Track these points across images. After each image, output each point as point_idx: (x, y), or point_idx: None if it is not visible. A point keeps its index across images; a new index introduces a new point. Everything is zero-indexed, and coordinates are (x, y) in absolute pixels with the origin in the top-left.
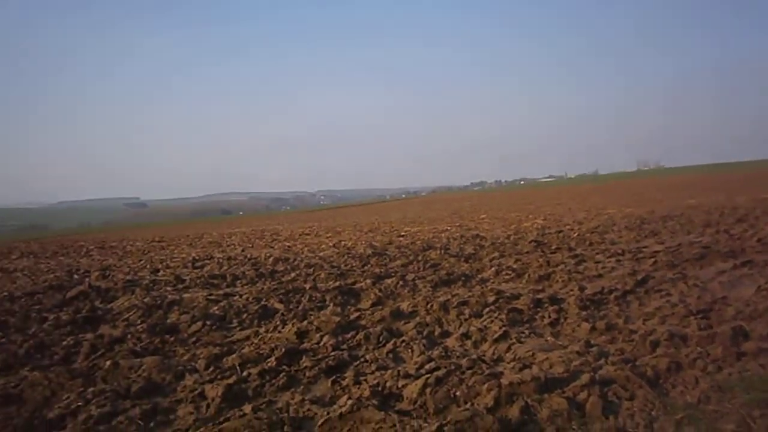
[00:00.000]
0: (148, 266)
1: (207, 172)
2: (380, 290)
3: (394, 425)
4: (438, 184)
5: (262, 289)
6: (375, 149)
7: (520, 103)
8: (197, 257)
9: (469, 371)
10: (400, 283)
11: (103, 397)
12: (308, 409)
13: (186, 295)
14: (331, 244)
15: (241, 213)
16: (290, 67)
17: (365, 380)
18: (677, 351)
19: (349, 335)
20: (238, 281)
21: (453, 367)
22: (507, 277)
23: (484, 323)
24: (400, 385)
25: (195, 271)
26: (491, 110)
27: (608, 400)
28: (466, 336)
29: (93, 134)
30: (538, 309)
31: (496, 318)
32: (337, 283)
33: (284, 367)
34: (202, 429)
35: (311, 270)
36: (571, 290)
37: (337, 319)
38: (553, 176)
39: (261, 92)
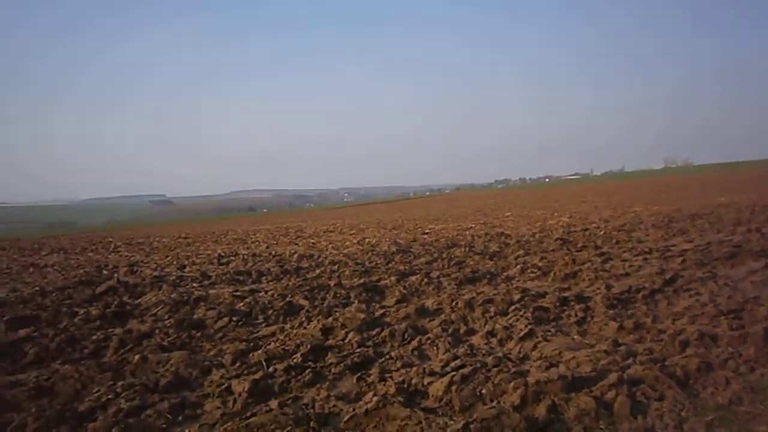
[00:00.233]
0: (174, 262)
1: (231, 170)
2: (405, 287)
3: (420, 422)
4: (462, 181)
5: (287, 285)
6: (399, 147)
7: (546, 100)
8: (223, 254)
9: (495, 369)
10: (425, 280)
11: (133, 390)
12: (334, 405)
13: (212, 291)
14: (355, 241)
15: (265, 210)
16: (315, 63)
17: (390, 377)
18: (708, 351)
19: (374, 332)
20: (264, 278)
21: (479, 365)
22: (532, 275)
23: (510, 321)
24: (425, 383)
25: (221, 267)
26: (516, 108)
27: (637, 400)
28: (491, 334)
29: (119, 132)
30: (564, 307)
31: (521, 316)
32: (362, 280)
33: (310, 363)
34: (229, 423)
35: (336, 267)
36: (598, 289)
37: (362, 316)
38: (579, 174)
39: (287, 90)
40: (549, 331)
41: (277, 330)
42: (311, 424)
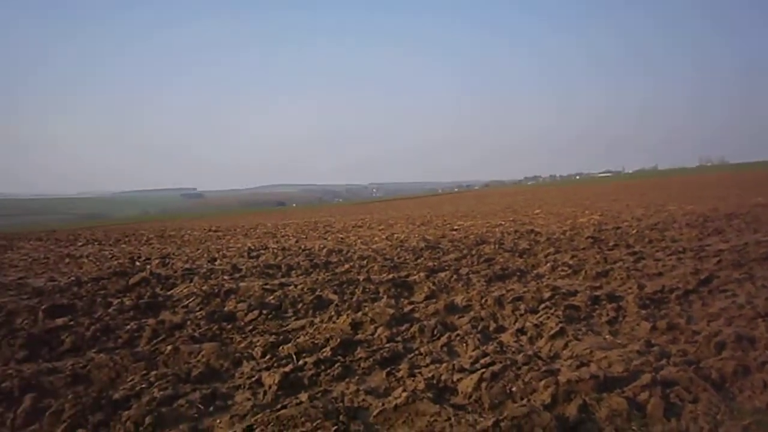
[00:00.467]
0: (205, 255)
1: (261, 164)
2: (434, 283)
3: (449, 419)
4: (491, 178)
5: (317, 279)
6: (428, 142)
7: (579, 96)
8: (252, 247)
9: (525, 367)
10: (454, 276)
11: (165, 380)
12: (363, 400)
13: (242, 284)
14: (383, 236)
15: (294, 205)
16: (347, 57)
17: (420, 373)
18: (745, 354)
19: (403, 327)
20: (293, 271)
21: (509, 363)
22: (563, 273)
23: (540, 319)
24: (455, 379)
25: (250, 260)
26: (548, 104)
27: (670, 401)
28: (521, 332)
29: (153, 127)
30: (596, 306)
31: (552, 314)
32: (391, 276)
33: (339, 357)
34: (260, 415)
35: (365, 262)
36: (630, 288)
37: (391, 311)
38: (610, 171)
39: (315, 84)
40: (580, 329)
41: (306, 324)
42: (341, 417)
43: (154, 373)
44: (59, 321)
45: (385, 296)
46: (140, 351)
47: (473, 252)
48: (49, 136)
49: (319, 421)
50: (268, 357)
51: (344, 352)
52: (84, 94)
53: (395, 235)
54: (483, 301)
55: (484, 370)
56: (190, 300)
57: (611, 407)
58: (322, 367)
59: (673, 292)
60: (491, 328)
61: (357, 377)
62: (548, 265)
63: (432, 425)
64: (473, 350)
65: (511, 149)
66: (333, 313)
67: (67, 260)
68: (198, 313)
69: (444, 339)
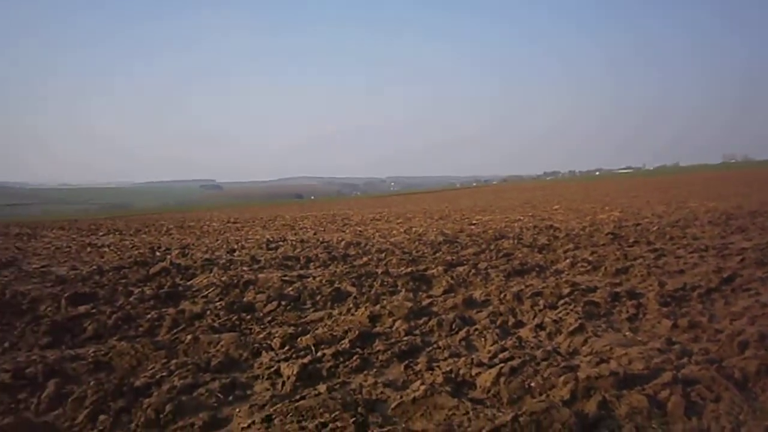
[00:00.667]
0: (224, 246)
1: (281, 157)
2: (452, 278)
3: (468, 413)
4: (509, 172)
5: (335, 272)
6: (445, 137)
7: (599, 93)
8: (271, 239)
9: (544, 363)
10: (473, 271)
11: (185, 369)
12: (381, 392)
13: (261, 275)
14: (402, 230)
15: (312, 197)
16: (368, 55)
17: (438, 366)
18: None
19: (421, 321)
20: (311, 263)
21: (527, 358)
22: (582, 269)
23: (559, 315)
24: (473, 373)
25: (269, 252)
26: (568, 99)
27: (691, 400)
28: (540, 327)
29: (174, 118)
30: (616, 303)
31: (571, 310)
32: (409, 269)
33: (357, 349)
34: (278, 405)
35: (383, 255)
36: (651, 285)
37: (410, 304)
38: (631, 168)
39: (335, 81)
40: (600, 326)
41: (325, 315)
42: (359, 409)
43: (174, 361)
44: (81, 309)
45: (404, 289)
46: (161, 340)
47: (492, 247)
48: (73, 127)
49: (337, 412)
50: (286, 348)
51: (362, 344)
52: (110, 87)
53: (413, 229)
54: (502, 296)
55: (502, 364)
56: (210, 290)
57: (631, 405)
58: (341, 359)
59: (695, 290)
60: (510, 323)
61: (375, 370)
62: (567, 261)
63: (450, 419)
64: (492, 345)
65: (530, 144)
66: (351, 306)
67: (89, 249)
68: (217, 304)
69: (462, 333)
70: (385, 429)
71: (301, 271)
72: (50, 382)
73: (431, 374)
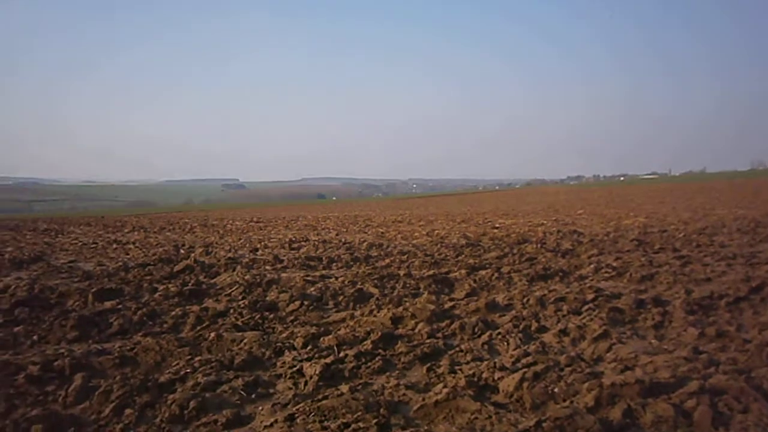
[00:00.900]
0: (247, 245)
1: (303, 157)
2: (475, 281)
3: (490, 417)
4: (532, 176)
5: (357, 273)
6: (469, 139)
7: (624, 96)
8: (294, 239)
9: (568, 368)
10: (495, 275)
11: (209, 366)
12: (403, 394)
13: (284, 275)
14: (424, 232)
15: (334, 198)
16: (392, 55)
17: (460, 370)
18: None
19: (443, 324)
20: (334, 264)
21: (551, 363)
22: (606, 275)
23: (583, 321)
24: (496, 377)
25: (292, 252)
26: (593, 102)
27: (719, 410)
28: (564, 332)
29: (198, 118)
30: (641, 310)
31: (595, 316)
32: (431, 272)
33: (380, 350)
34: (301, 405)
35: (405, 257)
36: (677, 293)
37: (432, 307)
38: (656, 173)
39: (359, 81)
40: (624, 333)
41: (347, 316)
42: (381, 410)
43: (198, 358)
44: (108, 304)
45: (426, 292)
46: (185, 337)
47: (515, 251)
48: (101, 125)
49: (359, 413)
50: (309, 348)
51: (385, 345)
52: (135, 86)
53: (435, 231)
54: (525, 300)
55: (525, 369)
56: (233, 289)
57: (657, 413)
58: (363, 360)
59: (722, 298)
60: (533, 328)
61: (397, 371)
62: (591, 266)
63: (473, 422)
64: (514, 349)
65: (554, 148)
66: (374, 307)
67: (114, 246)
68: (240, 302)
69: (485, 337)
70: (408, 431)
71: (324, 272)
72: (77, 376)
73: (454, 377)
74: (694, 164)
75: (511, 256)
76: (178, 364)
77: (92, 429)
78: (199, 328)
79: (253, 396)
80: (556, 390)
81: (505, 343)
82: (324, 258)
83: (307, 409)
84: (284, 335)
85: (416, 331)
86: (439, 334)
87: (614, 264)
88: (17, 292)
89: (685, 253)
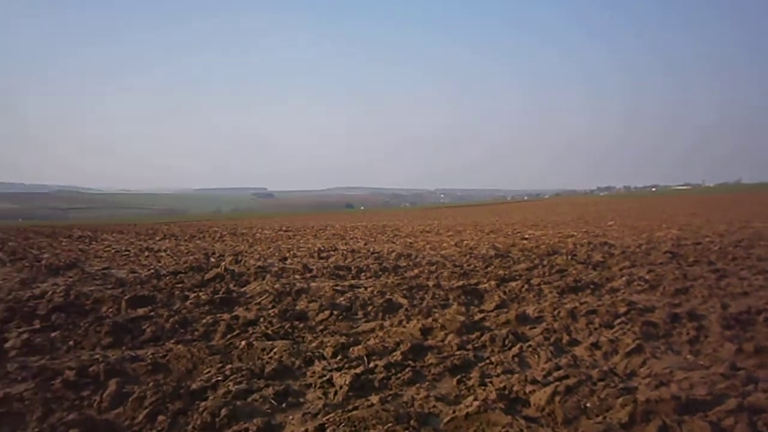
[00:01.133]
0: (276, 254)
1: (331, 167)
2: (504, 293)
3: (522, 431)
4: (561, 187)
5: (386, 283)
6: (497, 150)
7: (658, 104)
8: (322, 248)
9: (601, 383)
10: (525, 287)
11: (240, 374)
12: (434, 406)
13: (313, 284)
14: (452, 243)
15: (362, 207)
16: (419, 65)
17: (491, 382)
18: None
19: (473, 336)
20: (362, 274)
21: (583, 377)
22: (639, 288)
23: (616, 335)
24: (527, 391)
25: (320, 261)
26: (624, 114)
27: (758, 429)
28: (596, 346)
29: (228, 130)
30: (675, 324)
31: (628, 330)
32: (461, 283)
33: (409, 361)
34: (331, 415)
35: (434, 267)
36: (712, 307)
37: (461, 318)
38: (689, 184)
39: (387, 91)
40: (658, 348)
41: (376, 326)
42: (411, 422)
43: (229, 366)
44: (140, 311)
45: (455, 303)
46: (215, 344)
47: (545, 262)
48: (137, 136)
49: (390, 424)
50: (338, 357)
51: (414, 357)
52: (170, 96)
53: (464, 242)
54: (555, 312)
55: (557, 383)
56: (263, 297)
57: (693, 431)
58: (393, 371)
59: (760, 313)
60: (564, 341)
61: (427, 383)
62: (623, 278)
63: None
64: (545, 362)
65: (583, 158)
66: (403, 318)
67: (146, 253)
68: (270, 311)
69: (515, 349)
70: None
71: (353, 281)
72: (111, 381)
73: (484, 390)
74: (729, 175)
75: (541, 267)
76: (209, 371)
77: None
78: (229, 336)
79: (284, 405)
80: (588, 405)
81: (536, 356)
82: (353, 268)
83: (338, 419)
84: (314, 345)
85: (446, 342)
86: (469, 346)
87: (647, 277)
88: (54, 297)
89: (720, 266)
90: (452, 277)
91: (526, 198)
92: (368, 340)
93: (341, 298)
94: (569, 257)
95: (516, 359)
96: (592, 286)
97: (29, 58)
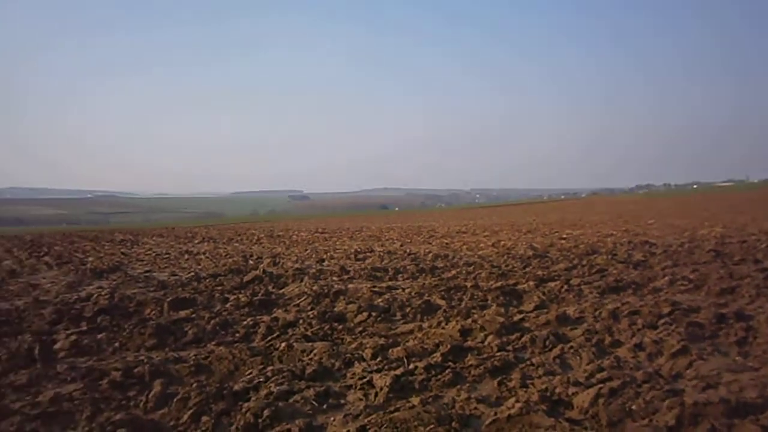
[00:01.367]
0: (313, 256)
1: (366, 168)
2: (544, 293)
3: None
4: (598, 185)
5: (424, 284)
6: (535, 148)
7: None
8: (359, 249)
9: (646, 385)
10: (565, 287)
11: (281, 376)
12: (475, 408)
13: (351, 286)
14: (489, 243)
15: (396, 208)
16: (450, 62)
17: (532, 384)
18: None
19: (513, 337)
20: (400, 275)
21: (627, 379)
22: (683, 287)
23: (660, 335)
24: (569, 393)
25: (357, 262)
26: (665, 105)
27: None
28: (639, 347)
29: (266, 132)
30: (722, 325)
31: (673, 331)
32: (499, 283)
33: (449, 363)
34: (373, 416)
35: (471, 268)
36: (761, 307)
37: (501, 319)
38: (732, 180)
39: (421, 90)
40: (705, 349)
41: (415, 328)
42: (453, 424)
43: (270, 368)
44: (182, 313)
45: (494, 304)
46: (256, 346)
47: (584, 262)
48: (176, 140)
49: (432, 426)
50: (378, 359)
51: (454, 358)
52: (207, 100)
53: (501, 242)
54: (596, 313)
55: (601, 385)
56: (302, 299)
57: None
58: (433, 372)
59: None
60: (606, 342)
61: (468, 384)
62: (666, 278)
63: None
64: (588, 364)
65: (621, 156)
66: (442, 319)
67: (186, 256)
68: (309, 313)
69: (557, 351)
70: None
71: (390, 283)
72: (156, 382)
73: (526, 392)
74: None
75: (581, 267)
76: (251, 373)
77: None
78: (270, 338)
79: (325, 406)
80: (633, 407)
81: (578, 358)
82: (390, 269)
83: (379, 420)
84: (353, 346)
85: (486, 343)
86: (509, 347)
87: (691, 276)
88: (99, 300)
89: None
90: (490, 277)
91: (563, 197)
92: (407, 341)
93: (379, 300)
94: (609, 257)
95: (557, 360)
96: (633, 286)
97: (78, 70)
